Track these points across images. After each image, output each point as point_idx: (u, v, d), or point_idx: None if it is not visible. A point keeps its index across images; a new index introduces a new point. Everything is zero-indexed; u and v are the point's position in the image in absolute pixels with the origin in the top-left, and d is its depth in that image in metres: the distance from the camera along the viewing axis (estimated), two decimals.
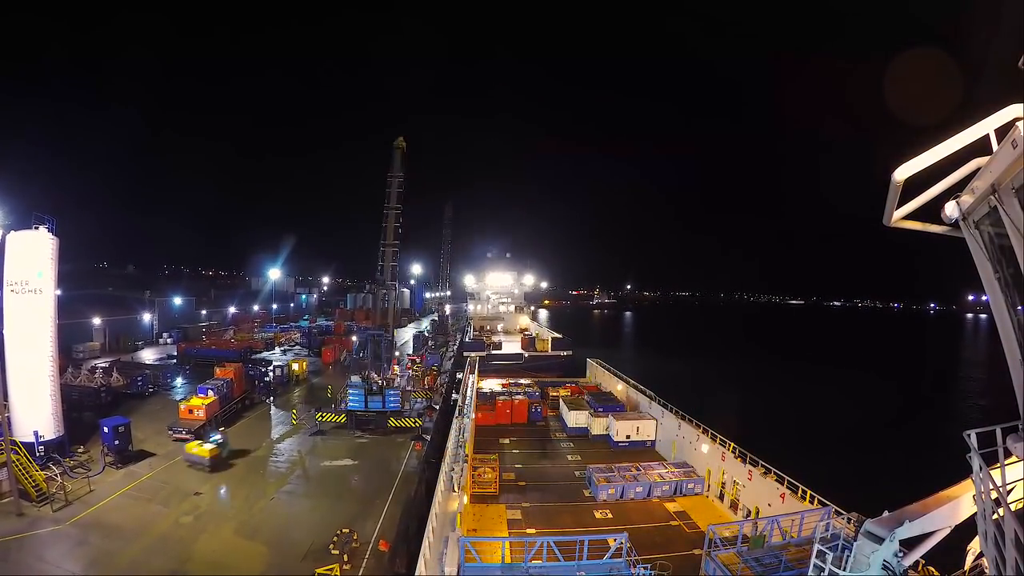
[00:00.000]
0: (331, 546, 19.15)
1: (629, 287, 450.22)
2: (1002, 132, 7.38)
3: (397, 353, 48.45)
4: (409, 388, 39.49)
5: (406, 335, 78.17)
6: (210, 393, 33.06)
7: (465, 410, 32.14)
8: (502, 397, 43.03)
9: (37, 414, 25.05)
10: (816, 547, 11.27)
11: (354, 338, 59.46)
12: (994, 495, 7.69)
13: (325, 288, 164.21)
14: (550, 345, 67.90)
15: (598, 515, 25.49)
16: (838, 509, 18.67)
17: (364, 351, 40.20)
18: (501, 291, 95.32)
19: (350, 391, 34.97)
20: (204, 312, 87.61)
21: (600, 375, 52.77)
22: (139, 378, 41.61)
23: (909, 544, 9.60)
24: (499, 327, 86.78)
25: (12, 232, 24.88)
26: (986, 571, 9.24)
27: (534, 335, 73.86)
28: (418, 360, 54.69)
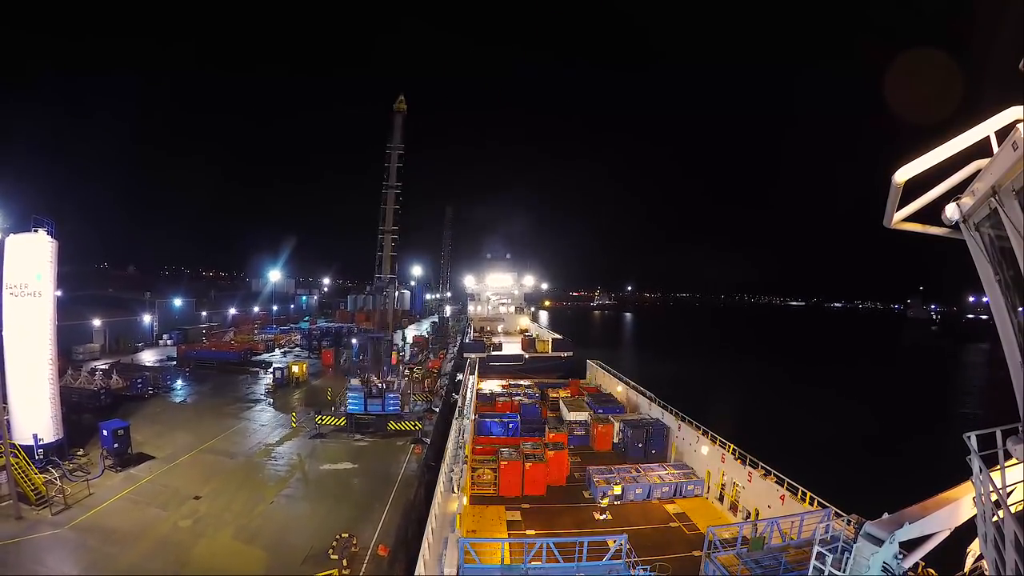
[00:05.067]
0: (330, 551, 19.05)
1: (630, 288, 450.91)
2: (1003, 134, 7.37)
3: (400, 354, 47.61)
4: (409, 392, 39.29)
5: (408, 337, 77.86)
6: None
7: (465, 411, 32.10)
8: (502, 398, 42.93)
9: (36, 417, 25.01)
10: (816, 549, 11.28)
11: (354, 340, 59.24)
12: (994, 497, 7.67)
13: (326, 289, 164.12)
14: (550, 346, 67.72)
15: (597, 516, 25.45)
16: (838, 511, 18.61)
17: (364, 354, 39.25)
18: (501, 292, 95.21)
19: (349, 394, 34.84)
20: (204, 314, 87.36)
21: (600, 376, 52.67)
22: (139, 380, 41.56)
23: (909, 546, 9.60)
24: (499, 328, 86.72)
25: (11, 235, 24.84)
26: (986, 573, 9.20)
27: (534, 336, 73.78)
28: (418, 367, 53.69)
